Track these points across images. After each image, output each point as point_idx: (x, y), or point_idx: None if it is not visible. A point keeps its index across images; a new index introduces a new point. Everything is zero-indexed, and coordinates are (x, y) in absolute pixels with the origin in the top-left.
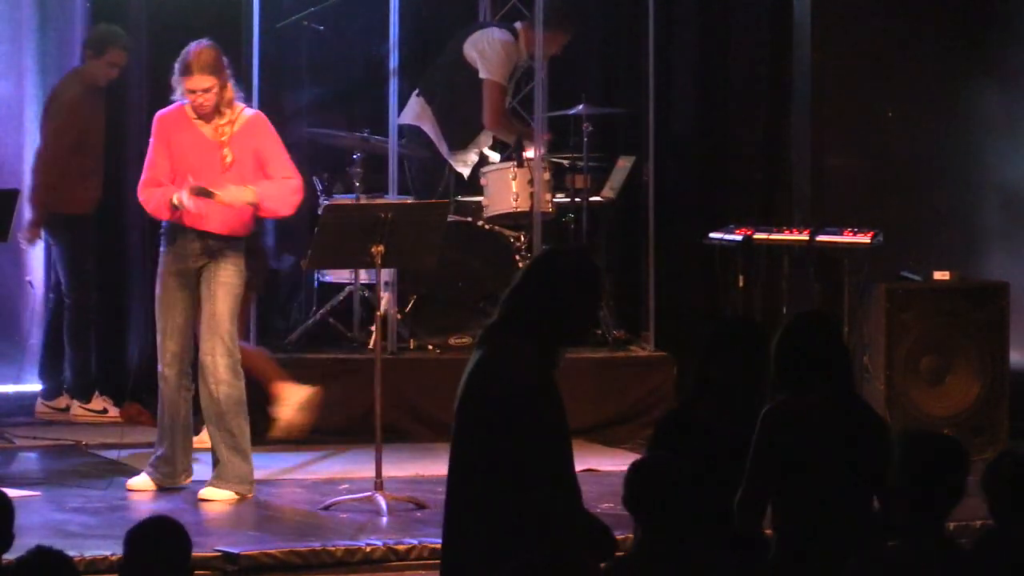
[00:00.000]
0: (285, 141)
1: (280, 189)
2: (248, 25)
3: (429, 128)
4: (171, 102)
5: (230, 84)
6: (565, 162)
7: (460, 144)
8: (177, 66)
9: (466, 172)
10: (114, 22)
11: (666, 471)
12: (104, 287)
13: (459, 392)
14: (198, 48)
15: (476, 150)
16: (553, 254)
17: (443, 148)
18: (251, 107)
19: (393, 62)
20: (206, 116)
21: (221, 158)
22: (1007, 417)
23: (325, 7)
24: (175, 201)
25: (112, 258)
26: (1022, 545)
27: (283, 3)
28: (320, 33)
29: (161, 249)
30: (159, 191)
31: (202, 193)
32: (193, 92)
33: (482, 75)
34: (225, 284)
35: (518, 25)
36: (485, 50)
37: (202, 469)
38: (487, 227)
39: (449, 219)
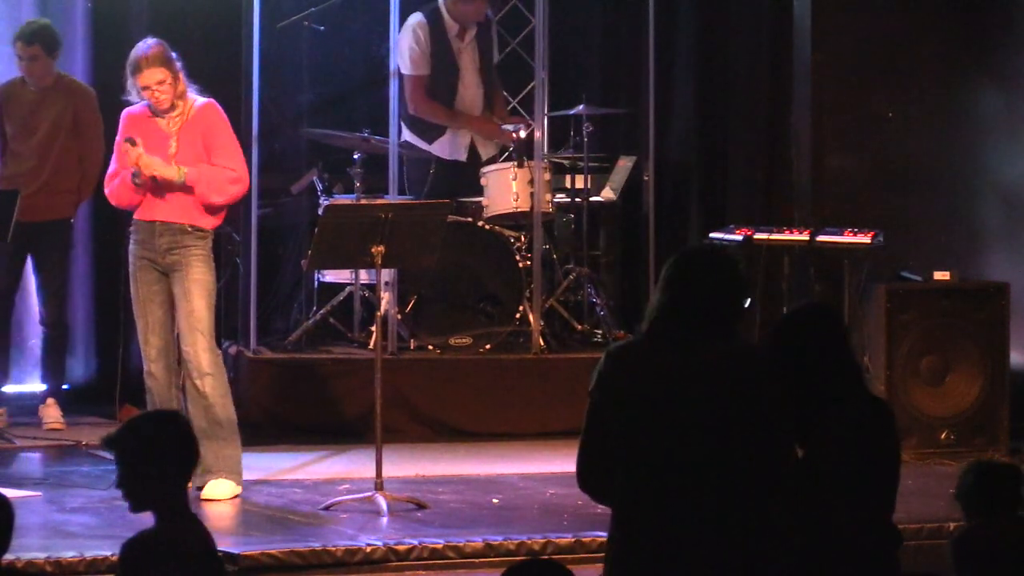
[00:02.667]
0: (285, 141)
1: (214, 175)
2: (248, 25)
3: (408, 134)
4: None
5: (181, 76)
6: (565, 162)
7: (433, 136)
8: (128, 67)
9: (461, 156)
10: (115, 22)
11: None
12: (101, 290)
13: (697, 390)
14: (145, 44)
15: (461, 133)
16: (721, 252)
17: (425, 147)
18: (253, 106)
19: (393, 63)
20: (164, 111)
21: (167, 148)
22: (1007, 417)
23: (325, 7)
24: (134, 170)
25: (109, 261)
26: (995, 542)
27: (283, 3)
28: (320, 33)
29: (131, 248)
30: (119, 177)
31: (130, 142)
32: (147, 88)
33: (401, 71)
34: (198, 281)
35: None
36: (400, 44)
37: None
38: (487, 227)
39: (449, 219)
